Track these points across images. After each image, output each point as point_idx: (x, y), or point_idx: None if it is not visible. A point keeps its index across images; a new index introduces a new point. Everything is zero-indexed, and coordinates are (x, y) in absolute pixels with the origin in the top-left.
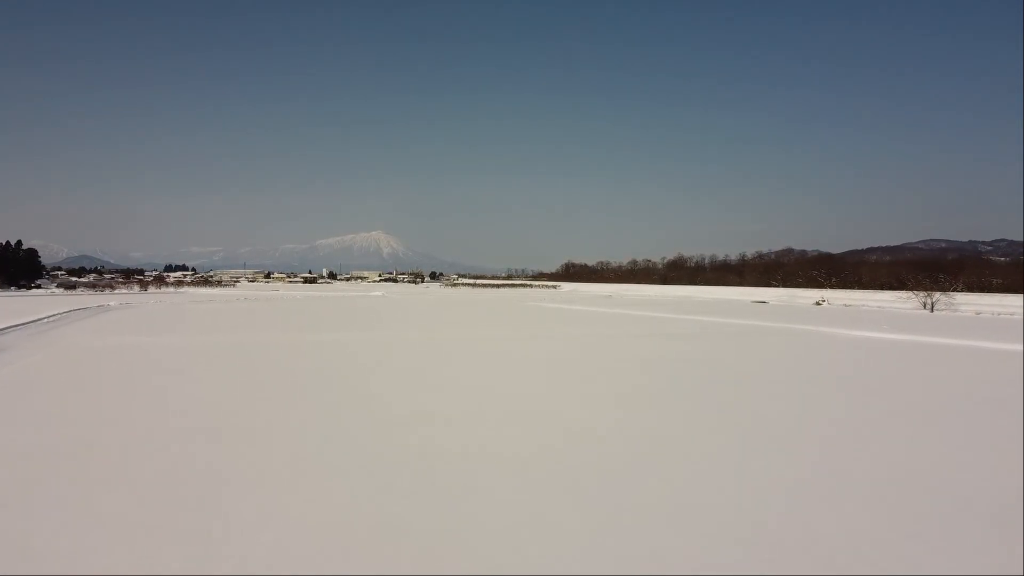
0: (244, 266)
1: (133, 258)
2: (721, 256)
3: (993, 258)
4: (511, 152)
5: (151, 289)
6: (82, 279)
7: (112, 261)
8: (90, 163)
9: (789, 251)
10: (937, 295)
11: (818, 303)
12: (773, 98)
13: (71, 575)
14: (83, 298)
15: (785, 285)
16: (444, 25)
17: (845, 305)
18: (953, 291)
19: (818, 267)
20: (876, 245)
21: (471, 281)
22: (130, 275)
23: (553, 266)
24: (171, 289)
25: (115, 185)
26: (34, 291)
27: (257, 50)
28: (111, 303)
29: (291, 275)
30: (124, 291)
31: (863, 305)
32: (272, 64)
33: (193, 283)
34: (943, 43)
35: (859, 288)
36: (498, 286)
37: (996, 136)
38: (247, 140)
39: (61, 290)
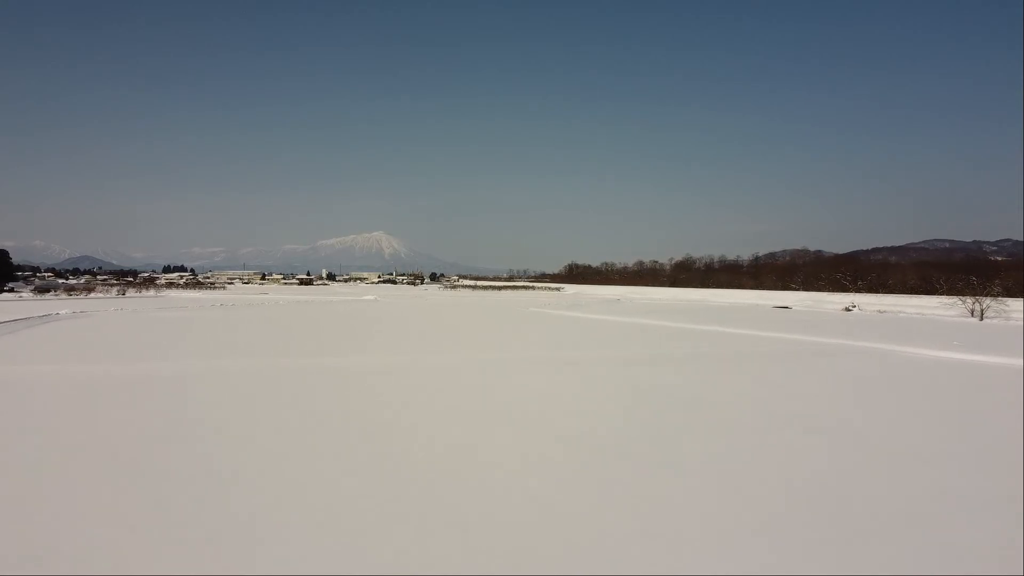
0: (243, 267)
1: (135, 259)
2: (731, 256)
3: (999, 258)
4: (513, 153)
5: (130, 293)
6: (69, 281)
7: (114, 262)
8: (93, 164)
9: (805, 252)
10: (987, 301)
11: (848, 309)
12: (775, 99)
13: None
14: (45, 304)
15: (805, 288)
16: (446, 27)
17: (879, 311)
18: (994, 295)
19: (841, 269)
20: (879, 246)
21: (471, 283)
22: (122, 277)
23: (556, 267)
24: (152, 292)
25: (118, 186)
26: (3, 295)
27: (260, 52)
28: (63, 311)
29: (288, 276)
30: (99, 295)
31: (900, 312)
32: (275, 66)
33: (185, 285)
34: (945, 45)
35: (884, 292)
36: (499, 288)
37: (998, 136)
38: (249, 142)
39: (31, 294)
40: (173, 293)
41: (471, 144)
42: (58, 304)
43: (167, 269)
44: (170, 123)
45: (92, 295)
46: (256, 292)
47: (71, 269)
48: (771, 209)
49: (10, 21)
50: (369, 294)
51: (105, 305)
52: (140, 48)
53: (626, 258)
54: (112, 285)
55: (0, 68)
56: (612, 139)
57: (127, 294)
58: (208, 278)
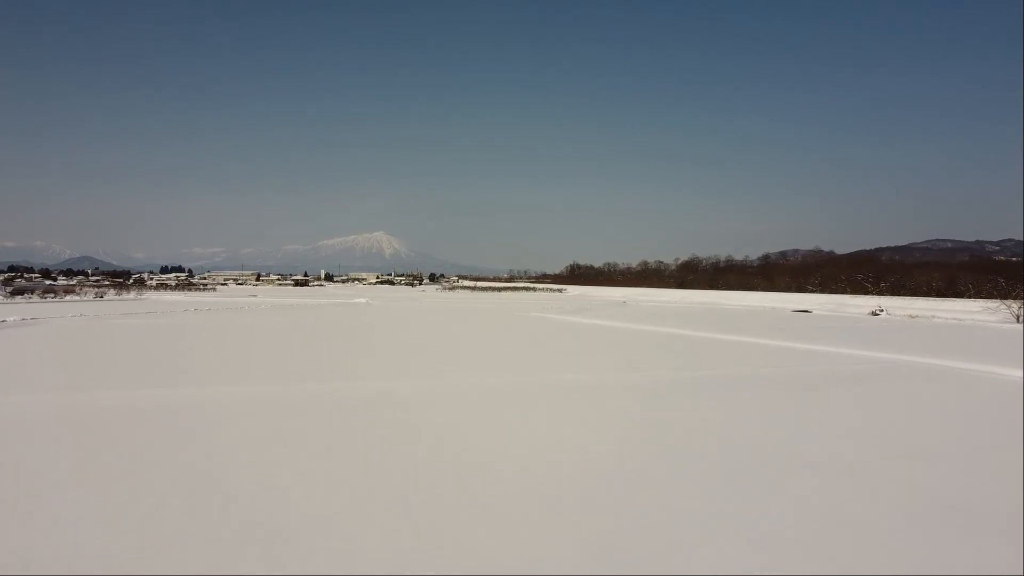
0: (242, 267)
1: (136, 259)
2: (738, 257)
3: (1003, 258)
4: (514, 153)
5: (110, 295)
6: (57, 283)
7: (114, 263)
8: (95, 165)
9: (817, 252)
10: None
11: (875, 313)
12: (775, 99)
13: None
14: (7, 308)
15: (823, 290)
16: (447, 27)
17: (910, 317)
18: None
19: (861, 269)
20: (882, 245)
21: (471, 283)
22: (114, 278)
23: (557, 267)
24: (133, 295)
25: (120, 187)
26: None
27: (261, 52)
28: (13, 318)
29: (284, 277)
30: (75, 298)
31: (934, 317)
32: (276, 66)
33: (177, 286)
34: (945, 45)
35: (906, 294)
36: (499, 289)
37: (998, 136)
38: (250, 142)
39: (2, 297)
40: (156, 295)
41: (472, 144)
42: (21, 309)
43: (165, 270)
44: (171, 123)
45: (68, 298)
46: (245, 294)
47: (64, 270)
48: (771, 209)
49: (11, 21)
50: (362, 296)
51: (71, 309)
52: (141, 49)
53: (628, 258)
54: (97, 287)
55: (2, 69)
56: (613, 139)
57: (106, 297)
58: (204, 279)
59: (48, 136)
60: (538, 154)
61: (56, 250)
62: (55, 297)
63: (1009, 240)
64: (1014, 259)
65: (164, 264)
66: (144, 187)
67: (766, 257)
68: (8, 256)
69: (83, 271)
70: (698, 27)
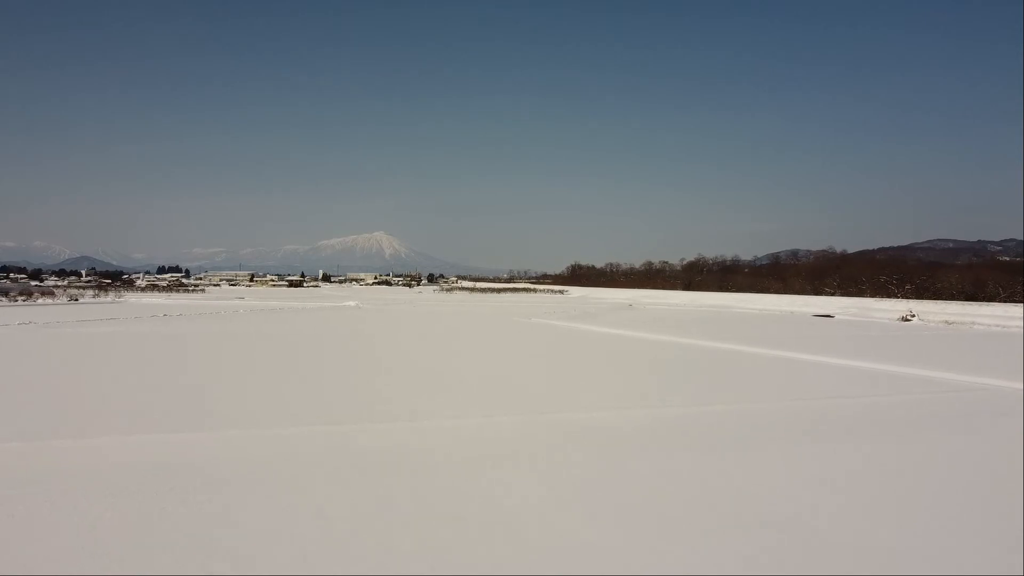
0: (239, 267)
1: (135, 259)
2: (745, 257)
3: (1006, 258)
4: (514, 154)
5: (87, 298)
6: (44, 284)
7: (114, 263)
8: (95, 165)
9: (830, 252)
10: None
11: (905, 318)
12: (776, 100)
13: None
14: None
15: (842, 292)
16: (447, 26)
17: (946, 323)
18: None
19: (885, 270)
20: (884, 245)
21: (470, 284)
22: (102, 278)
23: (557, 267)
24: (110, 298)
25: (120, 187)
26: None
27: (261, 52)
28: None
29: (280, 277)
30: (47, 302)
31: (974, 324)
32: (276, 66)
33: (168, 287)
34: (946, 45)
35: (930, 297)
36: (499, 291)
37: (999, 136)
38: (251, 142)
39: None
40: (136, 298)
41: (472, 144)
42: None
43: (163, 270)
44: (170, 124)
45: (41, 300)
46: (233, 296)
47: (59, 271)
48: (771, 209)
49: (10, 22)
50: (354, 299)
51: (28, 315)
52: (141, 49)
53: (629, 258)
54: (83, 288)
55: (1, 68)
56: (613, 139)
57: (81, 300)
58: (199, 279)
59: (48, 136)
60: (538, 154)
61: (56, 250)
62: (28, 300)
63: (1011, 240)
64: (1016, 259)
65: (163, 264)
66: (144, 187)
67: (775, 257)
68: (8, 256)
69: (77, 271)
70: (698, 27)
